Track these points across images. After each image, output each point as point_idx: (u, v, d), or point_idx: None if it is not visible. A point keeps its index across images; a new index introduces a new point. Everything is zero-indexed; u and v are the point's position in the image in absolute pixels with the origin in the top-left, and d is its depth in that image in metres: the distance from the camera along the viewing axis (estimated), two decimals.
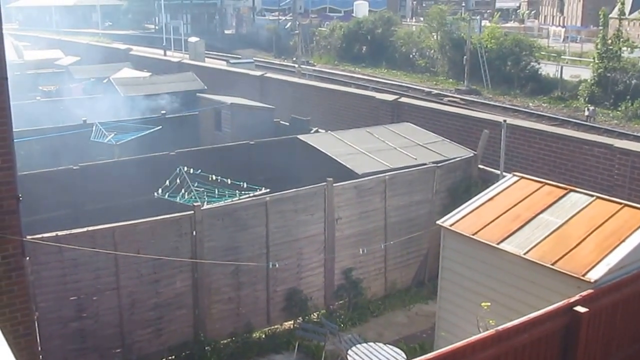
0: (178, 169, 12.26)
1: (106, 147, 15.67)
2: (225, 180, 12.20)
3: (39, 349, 8.59)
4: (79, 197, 12.51)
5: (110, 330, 9.36)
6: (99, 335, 9.25)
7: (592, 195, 8.46)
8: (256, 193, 11.69)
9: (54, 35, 56.64)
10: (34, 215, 10.99)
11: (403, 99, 19.78)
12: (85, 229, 9.01)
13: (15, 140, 7.62)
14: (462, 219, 8.66)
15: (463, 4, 44.53)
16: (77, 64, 29.38)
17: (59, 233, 8.79)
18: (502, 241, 8.01)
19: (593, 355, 6.98)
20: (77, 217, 11.59)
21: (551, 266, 7.39)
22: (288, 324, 11.09)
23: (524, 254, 7.71)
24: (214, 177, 12.25)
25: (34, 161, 13.87)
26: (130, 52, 37.35)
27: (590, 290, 6.84)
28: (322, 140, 13.67)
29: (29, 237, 8.21)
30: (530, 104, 34.94)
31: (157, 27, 74.49)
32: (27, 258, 8.12)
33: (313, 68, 44.83)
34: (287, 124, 17.69)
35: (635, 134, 26.36)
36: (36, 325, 8.51)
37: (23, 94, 22.33)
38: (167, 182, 11.93)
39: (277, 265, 10.65)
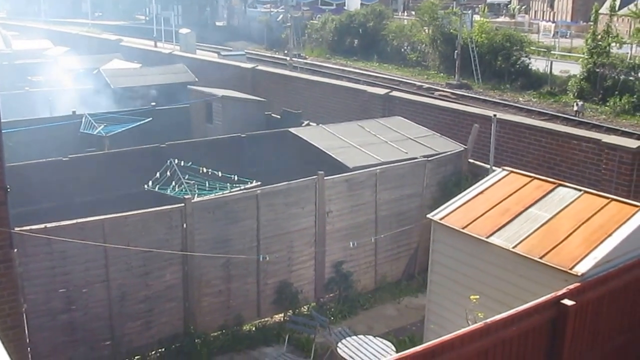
0: (168, 161, 12.22)
1: (96, 139, 15.58)
2: (216, 172, 12.17)
3: (28, 341, 8.58)
4: (68, 189, 12.43)
5: (100, 322, 9.35)
6: (88, 327, 9.23)
7: (580, 190, 8.52)
8: (247, 186, 11.69)
9: (43, 25, 56.13)
10: (23, 207, 10.92)
11: (394, 93, 19.82)
12: (74, 221, 8.97)
13: (3, 131, 7.58)
14: (452, 213, 8.70)
15: None
16: (66, 55, 29.14)
17: (48, 225, 8.76)
18: (491, 235, 8.06)
19: (580, 347, 7.05)
20: (66, 209, 11.49)
21: (539, 260, 7.45)
22: (278, 317, 11.11)
23: (513, 247, 7.77)
24: (204, 170, 12.22)
25: (22, 152, 13.77)
26: (120, 43, 37.09)
27: (577, 284, 6.90)
28: (313, 134, 13.67)
29: (17, 228, 8.18)
30: (520, 99, 35.09)
31: (147, 18, 74.08)
32: (15, 250, 8.09)
33: (305, 61, 44.75)
34: (279, 117, 17.66)
35: (622, 129, 26.55)
36: (25, 317, 8.49)
37: (11, 84, 22.16)
38: (158, 175, 11.89)
39: (267, 258, 10.66)
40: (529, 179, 8.98)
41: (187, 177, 11.91)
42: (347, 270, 11.67)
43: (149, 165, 12.27)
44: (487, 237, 8.05)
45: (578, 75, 34.90)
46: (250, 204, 10.46)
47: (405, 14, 73.41)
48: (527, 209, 8.37)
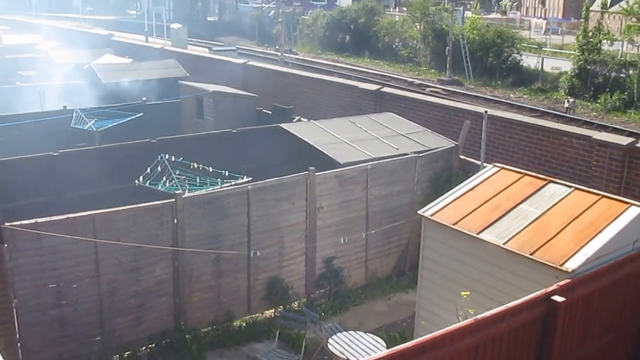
0: (159, 156, 12.18)
1: (87, 134, 15.52)
2: (207, 168, 12.15)
3: (18, 336, 8.54)
4: (58, 184, 12.37)
5: (90, 318, 9.31)
6: (78, 323, 9.19)
7: (570, 186, 8.56)
8: (238, 181, 11.67)
9: (34, 19, 55.70)
10: (13, 202, 10.87)
11: (385, 89, 19.79)
12: (65, 216, 8.93)
13: None
14: (442, 209, 8.72)
15: None
16: (57, 49, 28.95)
17: (38, 220, 8.69)
18: (482, 231, 8.09)
19: (570, 343, 7.09)
20: (56, 204, 11.46)
21: (530, 256, 7.48)
22: (269, 313, 11.11)
23: (504, 243, 7.79)
24: (195, 165, 12.19)
25: (12, 147, 13.69)
26: (111, 38, 36.86)
27: (567, 280, 6.93)
28: (304, 129, 13.65)
29: (7, 223, 8.13)
30: (512, 95, 35.19)
31: (138, 13, 73.69)
32: (5, 245, 8.06)
33: (296, 56, 44.65)
34: (270, 112, 17.63)
35: (613, 126, 26.69)
36: (14, 312, 8.45)
37: (2, 79, 22.01)
38: (149, 170, 11.85)
39: (258, 254, 10.64)
40: (520, 175, 9.02)
41: (177, 172, 11.88)
42: (338, 266, 11.67)
43: (140, 161, 12.22)
44: (478, 234, 8.07)
45: (569, 72, 35.02)
46: (241, 200, 10.44)
47: (397, 10, 73.36)
48: (517, 205, 8.40)
